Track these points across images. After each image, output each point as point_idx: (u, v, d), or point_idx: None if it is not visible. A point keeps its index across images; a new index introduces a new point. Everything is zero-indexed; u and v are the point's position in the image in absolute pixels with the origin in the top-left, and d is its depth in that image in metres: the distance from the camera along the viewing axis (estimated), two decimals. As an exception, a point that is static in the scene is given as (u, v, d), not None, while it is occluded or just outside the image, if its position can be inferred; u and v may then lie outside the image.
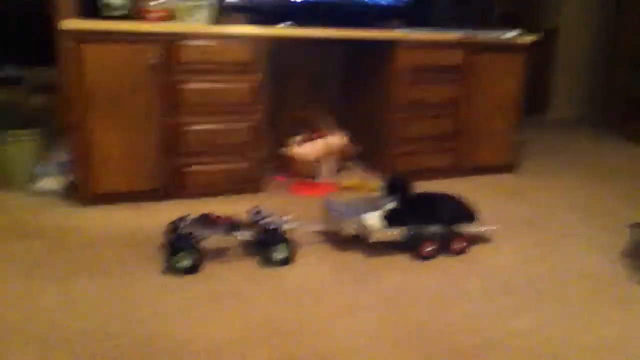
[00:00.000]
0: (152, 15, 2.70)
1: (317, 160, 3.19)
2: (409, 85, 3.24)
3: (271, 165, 3.37)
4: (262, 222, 2.28)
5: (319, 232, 2.52)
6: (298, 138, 3.30)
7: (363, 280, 2.16)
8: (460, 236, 2.40)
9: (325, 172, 3.19)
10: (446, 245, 2.38)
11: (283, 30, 2.90)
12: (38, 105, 3.07)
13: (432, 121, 3.37)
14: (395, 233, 2.34)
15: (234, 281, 2.11)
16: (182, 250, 2.12)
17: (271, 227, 2.27)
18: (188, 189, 2.90)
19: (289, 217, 2.36)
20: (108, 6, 2.65)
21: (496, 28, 3.45)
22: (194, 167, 2.88)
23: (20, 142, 2.86)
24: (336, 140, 3.26)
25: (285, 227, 2.29)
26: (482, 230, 2.50)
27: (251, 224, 2.28)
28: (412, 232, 2.35)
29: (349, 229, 2.37)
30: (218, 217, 2.26)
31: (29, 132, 2.87)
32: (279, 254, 2.22)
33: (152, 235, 2.46)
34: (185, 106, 2.78)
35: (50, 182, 2.84)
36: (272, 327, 1.82)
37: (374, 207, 2.42)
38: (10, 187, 2.90)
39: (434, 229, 2.37)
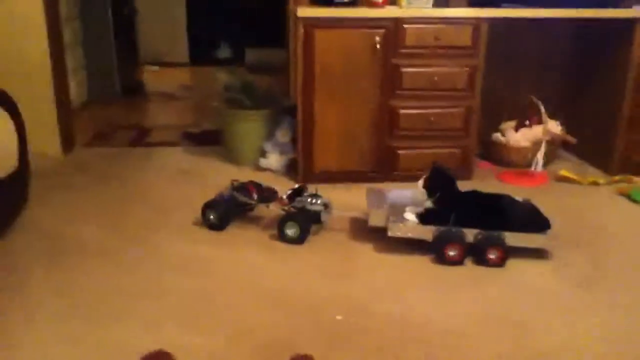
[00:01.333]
0: (377, 0, 2.76)
1: (531, 148, 3.04)
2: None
3: (479, 151, 3.29)
4: (295, 199, 2.38)
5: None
6: (511, 124, 3.17)
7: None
8: (497, 245, 2.10)
9: (539, 161, 3.03)
10: (481, 254, 2.11)
11: (507, 11, 2.79)
12: (263, 86, 3.33)
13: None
14: (417, 231, 2.17)
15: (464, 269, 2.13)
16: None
17: (298, 205, 2.34)
18: (397, 172, 2.95)
19: (328, 200, 2.40)
20: (339, -7, 2.77)
21: None
22: (405, 151, 2.92)
23: (249, 122, 3.14)
24: (552, 128, 3.07)
25: (314, 208, 2.34)
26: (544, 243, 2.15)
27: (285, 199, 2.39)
28: (437, 233, 2.13)
29: (376, 220, 2.26)
30: (253, 186, 2.47)
31: (257, 112, 3.13)
32: (290, 230, 2.28)
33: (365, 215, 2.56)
34: (402, 89, 2.82)
35: (274, 160, 3.07)
36: (504, 319, 1.80)
37: (416, 203, 2.25)
38: (239, 162, 3.20)
39: (467, 232, 2.11)
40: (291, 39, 3.40)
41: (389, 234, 2.20)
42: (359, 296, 1.94)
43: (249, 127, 3.14)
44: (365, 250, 2.26)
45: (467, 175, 2.98)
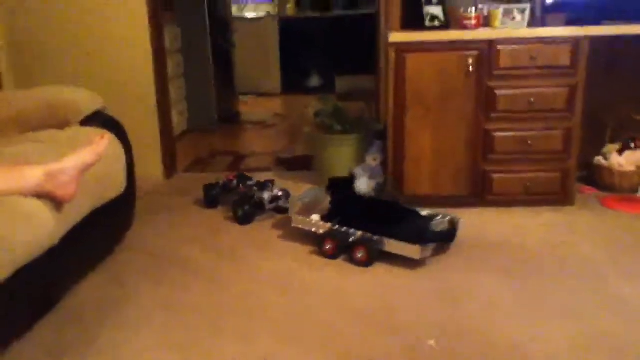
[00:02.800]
0: (469, 22, 2.74)
1: (637, 173, 2.86)
2: None
3: (578, 174, 3.13)
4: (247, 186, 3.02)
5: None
6: (615, 146, 3.00)
7: None
8: (364, 246, 2.31)
9: (648, 185, 2.84)
10: (351, 252, 2.35)
11: (608, 29, 2.66)
12: (353, 111, 3.37)
13: None
14: (311, 225, 2.51)
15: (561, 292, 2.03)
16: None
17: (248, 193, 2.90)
18: (490, 197, 2.86)
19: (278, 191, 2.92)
20: (432, 18, 2.78)
21: None
22: (500, 175, 2.83)
23: (339, 146, 3.18)
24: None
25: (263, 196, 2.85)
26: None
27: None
28: (323, 229, 2.46)
29: (291, 211, 2.65)
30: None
31: (347, 137, 3.17)
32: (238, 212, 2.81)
33: (460, 239, 2.51)
34: (497, 111, 2.75)
35: (364, 184, 3.08)
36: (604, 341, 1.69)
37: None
38: (330, 185, 3.25)
39: (350, 231, 2.40)
40: (382, 64, 3.43)
41: (292, 224, 2.58)
42: (449, 316, 1.90)
43: (339, 151, 3.18)
44: (455, 269, 2.21)
45: (569, 201, 2.84)
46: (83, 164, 1.81)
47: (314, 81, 6.93)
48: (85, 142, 1.92)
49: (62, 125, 2.39)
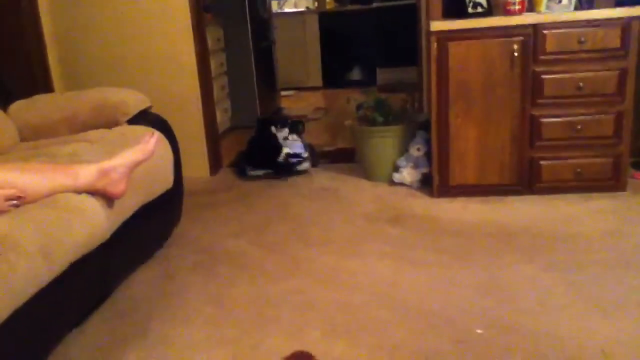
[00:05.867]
0: (513, 7, 2.67)
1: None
2: None
3: (631, 160, 3.01)
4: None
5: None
6: (671, 131, 2.88)
7: None
8: None
9: None
10: None
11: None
12: (396, 103, 3.35)
13: None
14: None
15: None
16: None
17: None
18: (538, 185, 2.79)
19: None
20: (475, 4, 2.73)
21: None
22: (548, 162, 2.76)
23: (382, 138, 3.16)
24: None
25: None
26: None
27: None
28: None
29: None
30: None
31: (389, 128, 3.15)
32: None
33: (510, 229, 2.46)
34: (544, 97, 2.68)
35: (407, 174, 3.06)
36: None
37: None
38: (373, 178, 3.23)
39: None
40: (424, 54, 3.39)
41: None
42: (500, 310, 1.86)
43: (381, 143, 3.16)
44: (506, 261, 2.17)
45: (621, 187, 2.74)
46: (133, 162, 1.86)
47: (355, 74, 6.90)
48: (135, 141, 1.97)
49: (110, 124, 2.47)
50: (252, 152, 3.60)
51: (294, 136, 3.55)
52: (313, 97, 6.45)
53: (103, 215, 1.80)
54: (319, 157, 3.70)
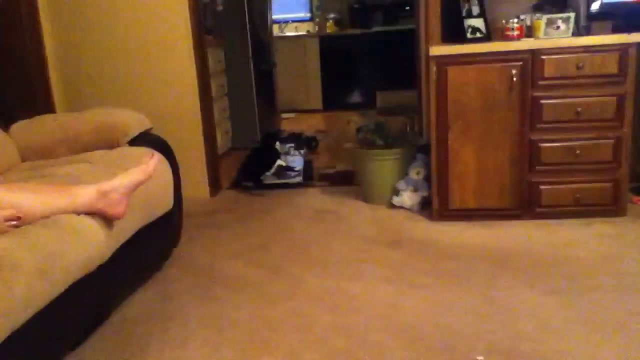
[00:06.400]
0: (511, 33, 2.70)
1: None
2: None
3: (631, 185, 3.02)
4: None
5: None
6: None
7: None
8: None
9: None
10: None
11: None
12: (395, 126, 3.37)
13: None
14: None
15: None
16: None
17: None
18: (538, 210, 2.79)
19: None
20: (474, 30, 2.76)
21: None
22: (548, 186, 2.76)
23: (381, 161, 3.17)
24: None
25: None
26: None
27: None
28: None
29: None
30: None
31: (389, 151, 3.16)
32: None
33: (509, 253, 2.46)
34: (543, 121, 2.70)
35: (407, 198, 3.07)
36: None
37: None
38: (373, 201, 3.24)
39: None
40: (423, 78, 3.42)
41: None
42: (500, 334, 1.85)
43: (381, 166, 3.17)
44: (505, 285, 2.16)
45: (621, 212, 2.74)
46: (133, 183, 1.86)
47: (355, 97, 6.95)
48: (135, 162, 1.98)
49: (111, 145, 2.48)
50: (248, 163, 3.81)
51: (296, 152, 3.63)
52: (313, 119, 6.49)
53: (102, 236, 1.79)
54: (316, 175, 3.78)
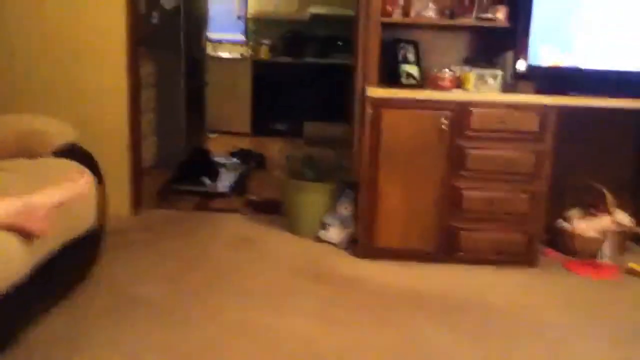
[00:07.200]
0: (443, 83, 2.83)
1: (600, 239, 2.97)
2: None
3: (543, 237, 3.20)
4: None
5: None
6: (577, 212, 3.12)
7: None
8: None
9: (607, 252, 2.94)
10: None
11: (574, 99, 2.80)
12: (325, 159, 3.41)
13: None
14: None
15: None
16: None
17: None
18: (458, 255, 2.91)
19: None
20: (408, 75, 2.87)
21: None
22: (467, 232, 2.89)
23: (311, 193, 3.20)
24: (621, 218, 3.00)
25: None
26: None
27: None
28: None
29: None
30: None
31: (319, 184, 3.20)
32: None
33: (427, 295, 2.55)
34: (468, 170, 2.83)
35: (334, 233, 3.10)
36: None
37: None
38: (299, 233, 3.23)
39: None
40: (356, 114, 3.50)
41: None
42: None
43: (310, 198, 3.19)
44: (420, 326, 2.23)
45: (533, 263, 2.91)
46: (59, 201, 1.76)
47: (283, 125, 6.97)
48: (63, 177, 1.88)
49: (32, 155, 2.34)
50: (185, 166, 4.31)
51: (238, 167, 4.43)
52: (241, 142, 6.43)
53: (20, 253, 1.68)
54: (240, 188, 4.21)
